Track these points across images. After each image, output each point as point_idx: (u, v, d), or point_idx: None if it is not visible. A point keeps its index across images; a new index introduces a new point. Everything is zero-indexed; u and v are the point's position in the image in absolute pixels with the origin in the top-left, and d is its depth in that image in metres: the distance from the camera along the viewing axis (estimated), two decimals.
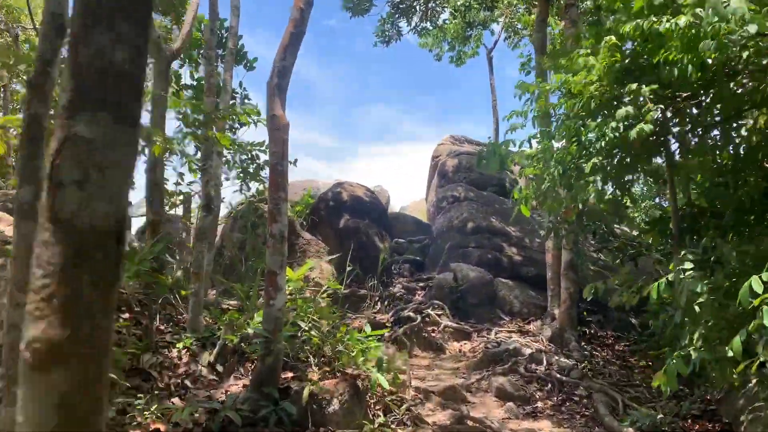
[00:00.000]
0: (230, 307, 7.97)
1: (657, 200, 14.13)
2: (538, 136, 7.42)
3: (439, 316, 9.96)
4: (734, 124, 7.06)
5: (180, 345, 5.85)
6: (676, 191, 8.11)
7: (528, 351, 8.10)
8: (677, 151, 7.63)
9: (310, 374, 5.61)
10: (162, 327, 6.40)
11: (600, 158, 5.64)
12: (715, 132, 7.25)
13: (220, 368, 5.81)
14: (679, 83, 6.08)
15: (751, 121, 7.62)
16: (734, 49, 4.97)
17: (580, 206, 7.43)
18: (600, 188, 5.89)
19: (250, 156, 7.93)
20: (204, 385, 5.58)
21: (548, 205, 7.29)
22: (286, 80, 5.60)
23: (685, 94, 6.27)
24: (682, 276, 5.41)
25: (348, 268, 10.57)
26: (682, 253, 5.66)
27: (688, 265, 5.51)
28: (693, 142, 7.72)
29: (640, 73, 6.60)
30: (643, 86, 5.90)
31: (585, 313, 10.83)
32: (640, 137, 5.57)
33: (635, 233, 12.80)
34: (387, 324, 9.63)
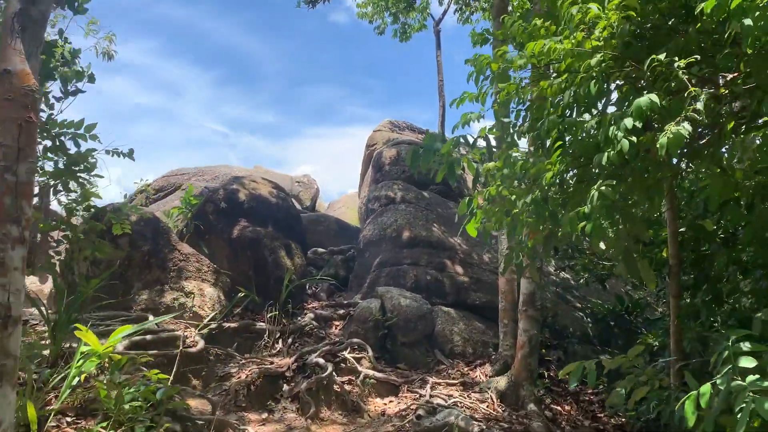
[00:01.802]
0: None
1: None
2: (495, 129, 5.16)
3: (358, 360, 7.55)
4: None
5: None
6: (677, 210, 6.01)
7: (476, 429, 5.82)
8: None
9: None
10: None
11: (607, 183, 3.29)
12: None
13: None
14: (723, 54, 3.81)
15: None
16: None
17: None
18: (603, 227, 3.55)
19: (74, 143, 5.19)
20: None
21: (515, 229, 4.99)
22: (41, 8, 2.95)
23: (730, 76, 3.98)
24: (739, 382, 3.17)
25: (240, 294, 8.04)
26: (732, 338, 3.41)
27: (746, 361, 3.26)
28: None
29: (650, 40, 4.31)
30: (675, 59, 3.59)
31: (543, 350, 8.74)
32: (675, 145, 3.24)
33: (603, 246, 10.75)
34: (287, 374, 7.16)
